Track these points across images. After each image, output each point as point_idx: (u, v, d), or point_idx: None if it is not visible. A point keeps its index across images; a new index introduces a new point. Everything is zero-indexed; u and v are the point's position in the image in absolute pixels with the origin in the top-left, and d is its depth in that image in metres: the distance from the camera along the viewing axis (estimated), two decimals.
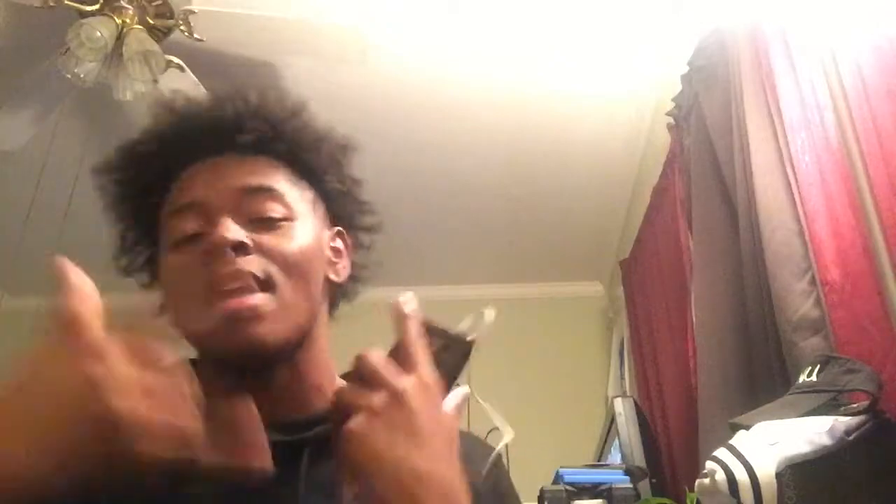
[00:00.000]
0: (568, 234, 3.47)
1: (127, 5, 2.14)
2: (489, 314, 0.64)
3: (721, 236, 1.72)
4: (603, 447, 2.44)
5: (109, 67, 2.21)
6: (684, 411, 1.99)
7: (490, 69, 2.50)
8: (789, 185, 1.40)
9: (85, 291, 0.51)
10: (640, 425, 2.12)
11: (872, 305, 1.16)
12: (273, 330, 0.66)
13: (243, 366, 0.68)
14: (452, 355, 0.64)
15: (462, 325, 0.64)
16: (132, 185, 0.77)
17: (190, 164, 0.74)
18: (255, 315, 0.65)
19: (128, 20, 2.14)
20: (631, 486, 1.80)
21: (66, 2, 2.10)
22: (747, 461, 0.98)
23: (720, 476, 0.98)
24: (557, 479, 1.84)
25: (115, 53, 2.13)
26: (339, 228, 0.80)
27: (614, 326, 3.51)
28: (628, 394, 2.83)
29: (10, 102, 2.39)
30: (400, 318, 0.61)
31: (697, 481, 1.06)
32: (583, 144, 2.84)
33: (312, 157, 0.78)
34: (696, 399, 1.80)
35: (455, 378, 0.65)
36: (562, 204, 3.23)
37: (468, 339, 0.63)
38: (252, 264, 0.67)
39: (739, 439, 1.05)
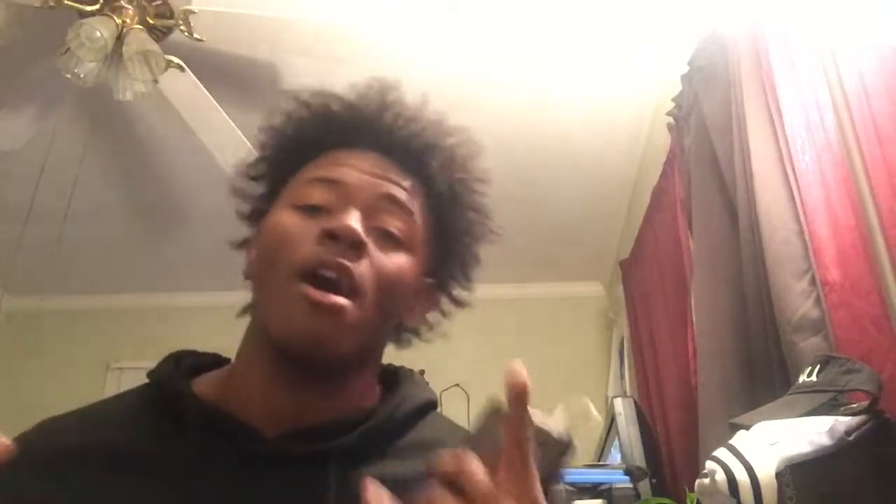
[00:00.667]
0: (568, 234, 3.47)
1: (127, 5, 2.14)
2: (590, 411, 0.61)
3: (721, 236, 1.72)
4: (603, 447, 2.44)
5: (109, 67, 2.20)
6: (684, 411, 1.99)
7: (490, 69, 2.50)
8: (789, 185, 1.40)
9: None
10: (640, 425, 2.12)
11: (872, 305, 1.16)
12: (343, 337, 0.65)
13: (299, 357, 0.66)
14: (548, 454, 0.57)
15: (558, 420, 0.58)
16: (303, 129, 0.77)
17: (361, 145, 0.75)
18: (336, 314, 0.64)
19: (128, 20, 2.14)
20: (631, 486, 1.79)
21: (66, 2, 2.10)
22: (747, 461, 0.98)
23: (720, 476, 0.98)
24: None
25: (115, 53, 2.13)
26: (433, 282, 0.79)
27: (614, 326, 3.51)
28: (628, 394, 2.83)
29: (10, 102, 2.39)
30: (515, 412, 0.53)
31: (697, 481, 1.06)
32: (583, 145, 2.84)
33: (460, 215, 0.78)
34: (696, 399, 1.80)
35: (549, 480, 0.56)
36: (562, 204, 3.23)
37: (566, 440, 0.57)
38: (357, 268, 0.66)
39: (739, 439, 1.05)
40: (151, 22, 2.19)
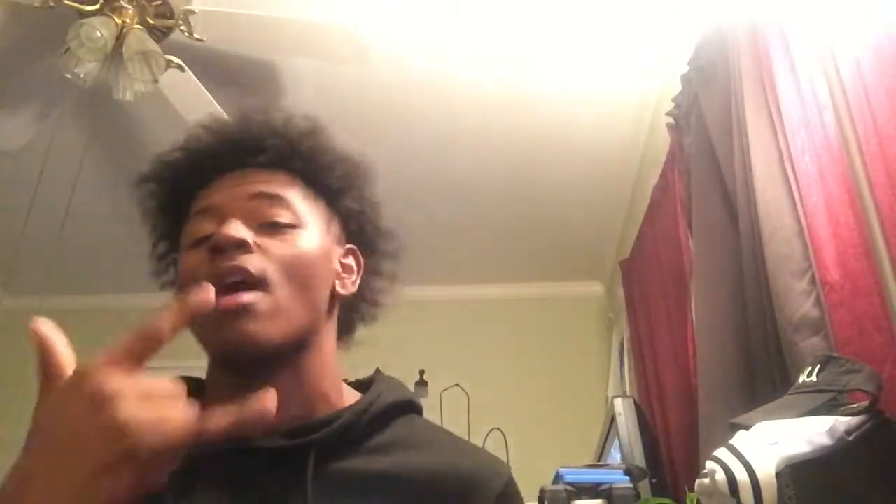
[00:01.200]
0: (568, 234, 3.47)
1: (127, 5, 2.14)
2: None
3: (721, 236, 1.72)
4: (603, 447, 2.44)
5: (109, 67, 2.21)
6: (684, 411, 1.99)
7: (490, 70, 2.50)
8: (789, 185, 1.40)
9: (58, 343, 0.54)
10: (640, 425, 2.12)
11: (872, 305, 1.16)
12: (264, 328, 0.68)
13: (240, 363, 0.70)
14: None
15: None
16: (164, 196, 0.81)
17: (216, 177, 0.78)
18: (246, 312, 0.68)
19: (128, 20, 2.14)
20: (631, 486, 1.79)
21: (66, 2, 2.10)
22: (747, 461, 0.98)
23: (720, 476, 0.98)
24: (557, 479, 1.84)
25: (115, 53, 2.13)
26: (352, 246, 0.82)
27: (614, 326, 3.52)
28: (628, 394, 2.83)
29: (10, 102, 2.39)
30: None
31: (697, 481, 1.06)
32: (583, 144, 2.84)
33: (327, 175, 0.81)
34: (696, 399, 1.80)
35: None
36: (562, 204, 3.23)
37: None
38: (250, 261, 0.69)
39: (739, 439, 1.05)
40: (151, 22, 2.19)
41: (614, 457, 2.19)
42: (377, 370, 0.84)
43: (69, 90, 2.32)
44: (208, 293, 0.53)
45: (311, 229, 0.76)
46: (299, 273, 0.72)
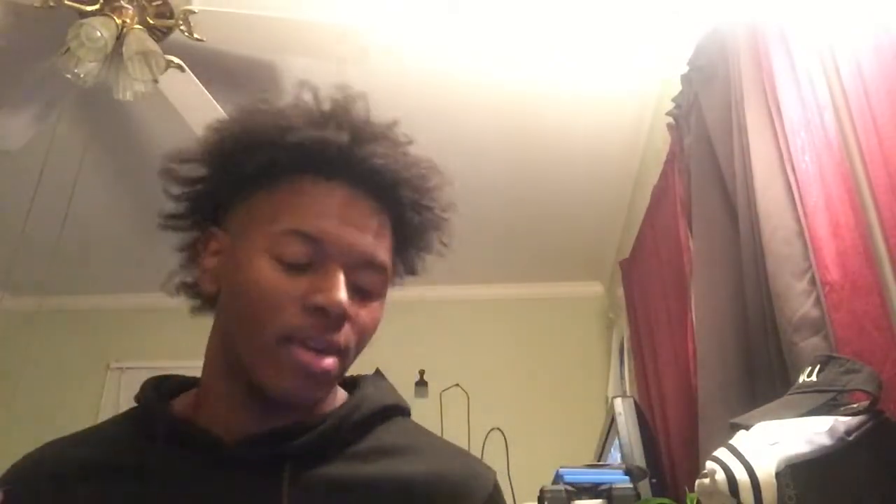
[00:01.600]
0: (568, 234, 3.47)
1: (127, 5, 2.14)
2: None
3: (721, 236, 1.72)
4: (603, 447, 2.44)
5: (109, 67, 2.21)
6: (684, 411, 1.99)
7: (489, 70, 2.50)
8: (789, 185, 1.40)
9: None
10: (640, 425, 2.12)
11: (872, 305, 1.16)
12: (324, 391, 0.72)
13: (276, 401, 0.70)
14: None
15: None
16: (259, 145, 0.73)
17: (327, 175, 0.73)
18: (323, 378, 0.69)
19: (128, 20, 2.14)
20: (631, 486, 1.79)
21: (66, 2, 2.10)
22: (747, 461, 0.98)
23: (720, 476, 0.98)
24: (557, 479, 1.84)
25: (115, 53, 2.14)
26: None
27: (614, 326, 3.52)
28: (628, 394, 2.83)
29: (10, 102, 2.39)
30: None
31: (697, 481, 1.06)
32: (583, 144, 2.84)
33: (423, 240, 0.80)
34: (696, 399, 1.80)
35: None
36: (562, 204, 3.23)
37: None
38: (344, 335, 0.70)
39: (739, 439, 1.05)
40: (151, 22, 2.20)
41: (614, 457, 2.18)
42: (377, 370, 0.84)
43: (69, 90, 2.32)
44: None
45: (384, 300, 0.76)
46: (365, 341, 0.74)
